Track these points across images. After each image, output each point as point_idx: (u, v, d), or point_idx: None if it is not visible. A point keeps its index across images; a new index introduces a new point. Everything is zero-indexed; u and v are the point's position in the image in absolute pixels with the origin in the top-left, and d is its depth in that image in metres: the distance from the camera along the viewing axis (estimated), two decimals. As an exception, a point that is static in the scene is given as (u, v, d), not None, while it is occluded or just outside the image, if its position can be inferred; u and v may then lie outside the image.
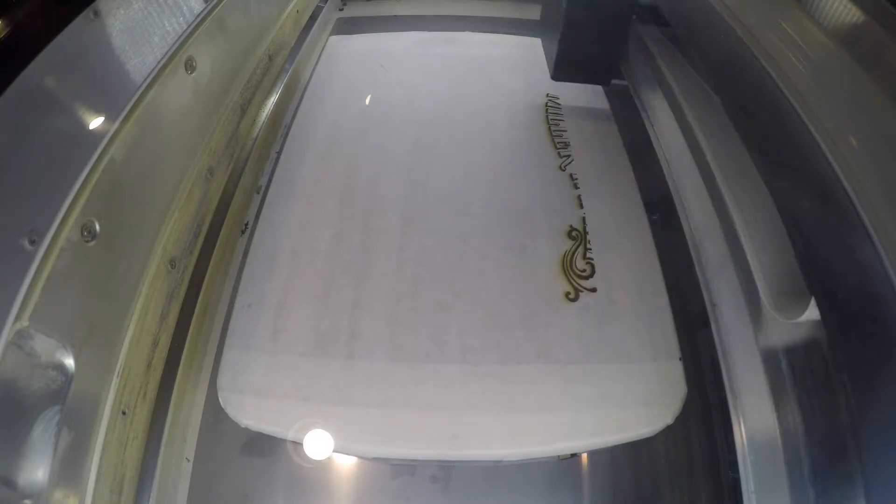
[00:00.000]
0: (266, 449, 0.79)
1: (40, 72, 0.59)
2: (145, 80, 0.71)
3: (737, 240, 0.70)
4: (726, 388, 0.66)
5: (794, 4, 0.72)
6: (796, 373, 0.58)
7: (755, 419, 0.62)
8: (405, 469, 0.79)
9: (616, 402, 0.75)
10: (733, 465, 0.63)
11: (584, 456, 0.80)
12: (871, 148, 0.51)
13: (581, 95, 1.24)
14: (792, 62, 0.62)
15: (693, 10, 0.83)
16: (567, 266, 0.88)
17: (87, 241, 0.60)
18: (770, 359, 0.62)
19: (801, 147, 0.54)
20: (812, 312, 0.52)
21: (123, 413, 0.66)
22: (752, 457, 0.61)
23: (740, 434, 0.63)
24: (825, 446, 0.53)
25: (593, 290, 0.85)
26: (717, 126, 0.79)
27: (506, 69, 1.33)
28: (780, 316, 0.58)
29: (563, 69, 1.18)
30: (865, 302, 0.46)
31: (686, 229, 0.84)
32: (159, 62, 0.75)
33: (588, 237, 0.92)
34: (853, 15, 0.65)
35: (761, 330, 0.64)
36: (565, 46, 1.12)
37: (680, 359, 0.78)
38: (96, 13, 0.68)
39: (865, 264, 0.47)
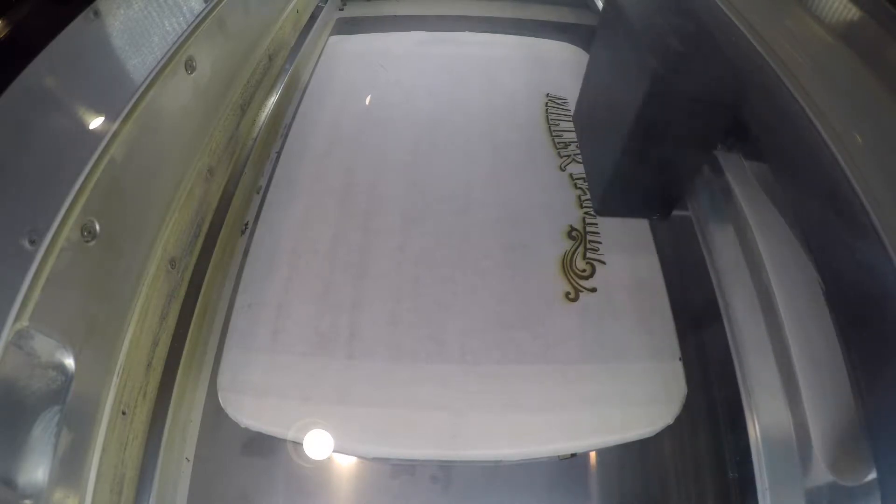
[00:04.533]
0: (266, 449, 0.79)
1: (40, 72, 0.59)
2: (145, 80, 0.72)
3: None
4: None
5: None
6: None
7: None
8: (405, 469, 0.79)
9: (616, 402, 0.75)
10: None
11: (584, 456, 0.80)
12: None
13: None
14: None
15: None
16: (567, 266, 0.88)
17: (87, 241, 0.60)
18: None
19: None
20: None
21: (123, 413, 0.66)
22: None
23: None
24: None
25: (593, 290, 0.85)
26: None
27: (506, 69, 1.33)
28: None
29: (612, 204, 0.95)
30: (877, 301, 0.46)
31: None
32: (159, 62, 0.75)
33: (588, 237, 0.92)
34: None
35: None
36: (621, 180, 0.89)
37: (680, 359, 0.78)
38: (96, 13, 0.68)
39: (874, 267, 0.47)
